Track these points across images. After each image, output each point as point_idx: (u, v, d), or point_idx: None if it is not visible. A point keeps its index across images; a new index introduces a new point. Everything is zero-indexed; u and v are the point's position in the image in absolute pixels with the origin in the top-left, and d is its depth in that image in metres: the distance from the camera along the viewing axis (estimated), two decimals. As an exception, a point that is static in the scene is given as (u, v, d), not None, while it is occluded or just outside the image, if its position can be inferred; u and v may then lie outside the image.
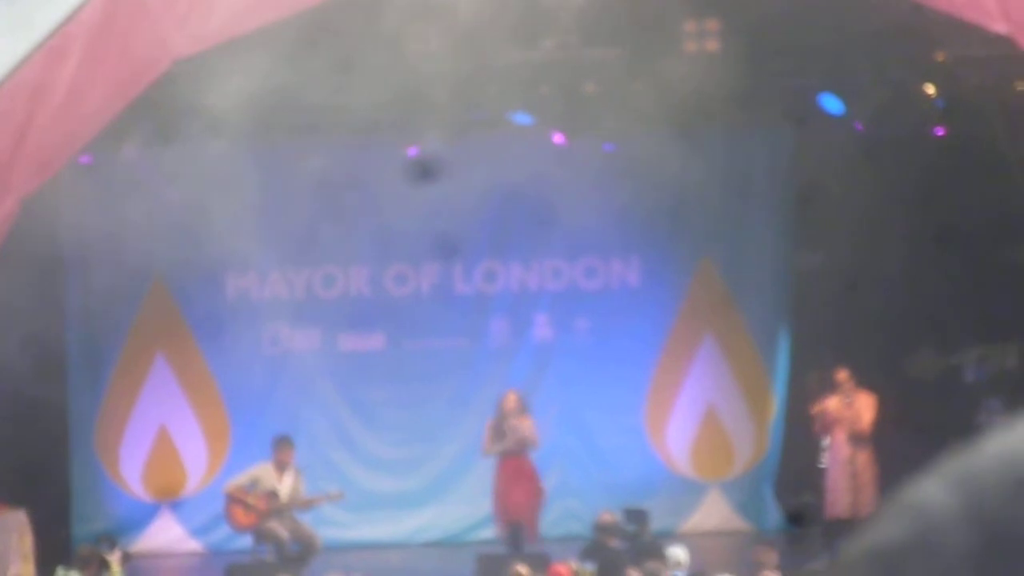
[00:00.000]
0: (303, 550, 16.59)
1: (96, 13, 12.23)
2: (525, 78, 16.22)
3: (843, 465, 16.67)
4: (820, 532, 16.92)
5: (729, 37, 15.44)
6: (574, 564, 14.68)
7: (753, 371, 19.30)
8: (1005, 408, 17.54)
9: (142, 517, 18.93)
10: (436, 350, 19.11)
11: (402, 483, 19.05)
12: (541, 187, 18.54)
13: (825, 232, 18.07)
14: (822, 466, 17.06)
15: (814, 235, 18.48)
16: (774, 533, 18.38)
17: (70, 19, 12.14)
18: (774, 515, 19.05)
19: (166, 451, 19.06)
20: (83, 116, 12.48)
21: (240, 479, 16.89)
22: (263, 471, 16.80)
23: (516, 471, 17.29)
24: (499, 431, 17.21)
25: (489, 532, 17.91)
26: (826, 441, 16.97)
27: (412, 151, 18.38)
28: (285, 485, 16.72)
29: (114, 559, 15.11)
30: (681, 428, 19.30)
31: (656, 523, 17.13)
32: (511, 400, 17.27)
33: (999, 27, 12.31)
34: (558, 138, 18.53)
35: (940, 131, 17.88)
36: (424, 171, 17.86)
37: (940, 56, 16.21)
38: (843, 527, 16.12)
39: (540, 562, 15.13)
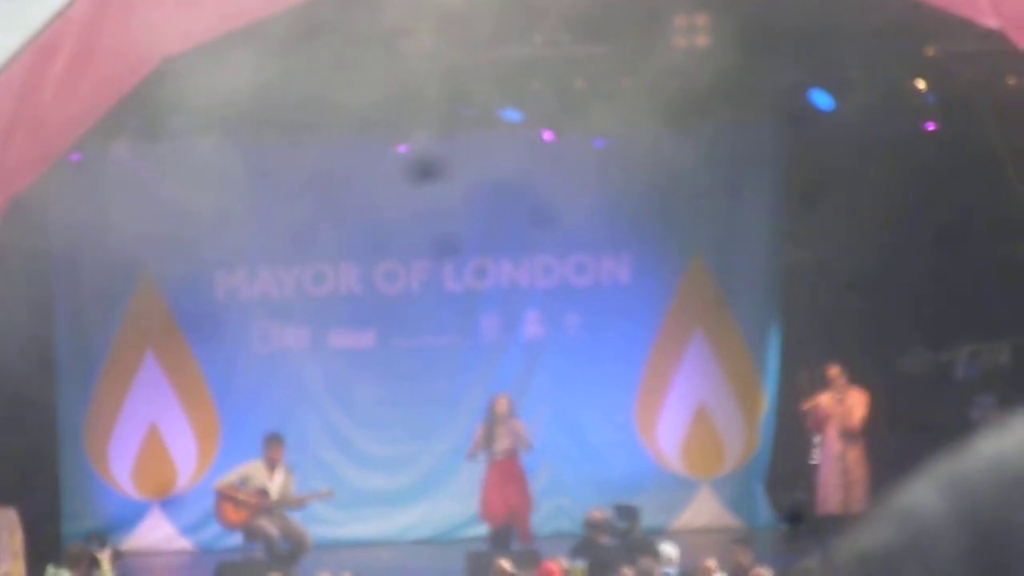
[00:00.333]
0: (293, 548, 16.58)
1: (86, 10, 12.21)
2: (515, 75, 16.21)
3: (834, 461, 16.69)
4: (811, 528, 16.92)
5: (719, 33, 15.42)
6: (565, 561, 14.67)
7: (744, 368, 19.30)
8: (997, 404, 17.55)
9: (132, 515, 18.90)
10: (427, 348, 19.10)
11: (392, 481, 19.03)
12: (532, 184, 18.52)
13: (816, 229, 18.07)
14: (813, 462, 17.08)
15: (804, 232, 18.47)
16: (765, 530, 18.39)
17: (59, 16, 12.12)
18: (765, 512, 19.05)
19: (156, 449, 19.04)
20: (73, 113, 12.45)
21: (230, 477, 16.88)
22: (253, 469, 16.79)
23: (508, 473, 17.27)
24: (490, 435, 17.16)
25: (479, 530, 17.88)
26: (817, 437, 16.99)
27: (402, 148, 18.39)
28: (275, 483, 16.71)
29: (104, 557, 15.10)
30: (672, 425, 19.30)
31: (647, 520, 17.15)
32: (502, 404, 17.23)
33: (990, 22, 12.32)
34: (548, 135, 18.52)
35: (931, 127, 17.89)
36: (414, 168, 17.84)
37: (931, 51, 16.22)
38: (834, 523, 16.15)
39: (531, 559, 15.14)
